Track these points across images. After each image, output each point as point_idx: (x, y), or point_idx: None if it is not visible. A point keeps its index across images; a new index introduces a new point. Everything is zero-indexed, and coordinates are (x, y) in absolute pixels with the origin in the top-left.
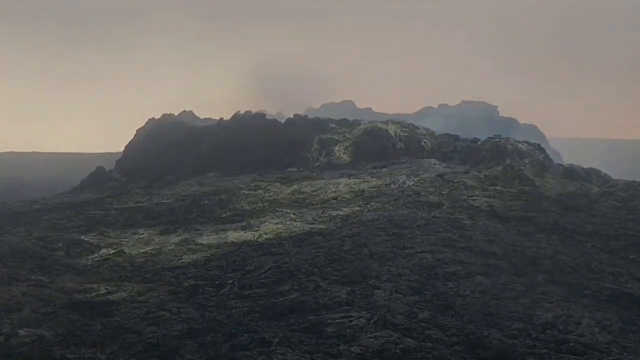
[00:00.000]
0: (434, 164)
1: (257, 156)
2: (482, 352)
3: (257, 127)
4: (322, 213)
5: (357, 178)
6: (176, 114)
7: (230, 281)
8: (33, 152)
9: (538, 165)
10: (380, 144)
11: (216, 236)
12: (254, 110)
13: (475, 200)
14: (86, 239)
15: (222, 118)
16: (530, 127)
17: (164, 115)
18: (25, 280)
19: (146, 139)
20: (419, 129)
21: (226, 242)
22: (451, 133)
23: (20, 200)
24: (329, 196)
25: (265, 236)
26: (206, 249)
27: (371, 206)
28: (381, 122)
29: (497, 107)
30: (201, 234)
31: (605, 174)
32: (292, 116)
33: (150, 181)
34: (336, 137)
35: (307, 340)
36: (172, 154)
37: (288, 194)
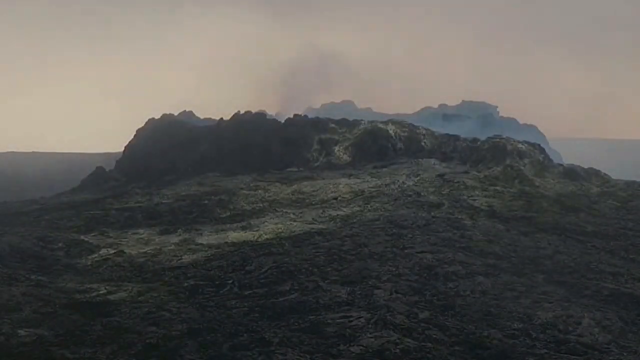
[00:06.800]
0: (434, 164)
1: (257, 156)
2: (482, 352)
3: (257, 127)
4: (322, 213)
5: (357, 178)
6: (176, 114)
7: (230, 281)
8: (33, 152)
9: (538, 165)
10: (380, 144)
11: (216, 236)
12: (254, 110)
13: (475, 200)
14: (86, 239)
15: (222, 118)
16: (530, 127)
17: (164, 115)
18: (25, 280)
19: (146, 139)
20: (419, 129)
21: (226, 242)
22: (451, 133)
23: (20, 200)
24: (329, 196)
25: (265, 236)
26: (206, 249)
27: (371, 206)
28: (381, 122)
29: (497, 107)
30: (201, 234)
31: (605, 174)
32: (292, 116)
33: (150, 181)
34: (336, 137)
35: (307, 340)
36: (172, 154)
37: (288, 194)
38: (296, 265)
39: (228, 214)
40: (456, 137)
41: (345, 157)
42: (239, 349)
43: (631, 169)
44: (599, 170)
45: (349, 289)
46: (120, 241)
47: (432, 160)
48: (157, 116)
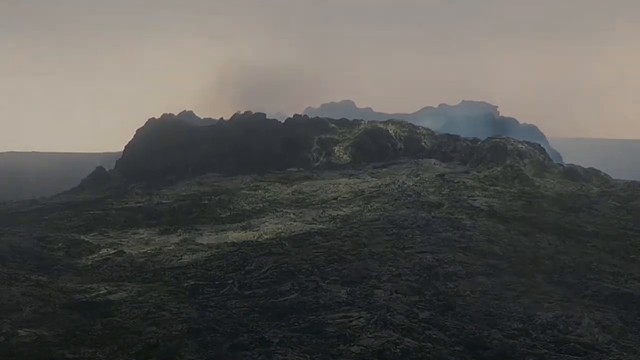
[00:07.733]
0: (434, 164)
1: (257, 156)
2: (482, 352)
3: (257, 127)
4: (322, 213)
5: (357, 178)
6: (176, 114)
7: (230, 281)
8: (33, 152)
9: (538, 165)
10: (380, 144)
11: (216, 236)
12: (254, 110)
13: (475, 200)
14: (86, 239)
15: (222, 118)
16: (530, 127)
17: (164, 115)
18: (25, 280)
19: (146, 139)
20: (419, 129)
21: (226, 242)
22: (451, 133)
23: (20, 200)
24: (329, 196)
25: (265, 236)
26: (206, 249)
27: (371, 206)
28: (381, 122)
29: (497, 107)
30: (201, 234)
31: (605, 174)
32: (292, 116)
33: (150, 181)
34: (336, 137)
35: (307, 340)
36: (172, 154)
37: (288, 194)
38: (296, 265)
39: (228, 214)
40: (456, 137)
41: (345, 157)
42: (239, 349)
43: (631, 169)
44: (599, 170)
45: (349, 289)
46: (120, 241)
47: (432, 160)
48: (157, 116)
